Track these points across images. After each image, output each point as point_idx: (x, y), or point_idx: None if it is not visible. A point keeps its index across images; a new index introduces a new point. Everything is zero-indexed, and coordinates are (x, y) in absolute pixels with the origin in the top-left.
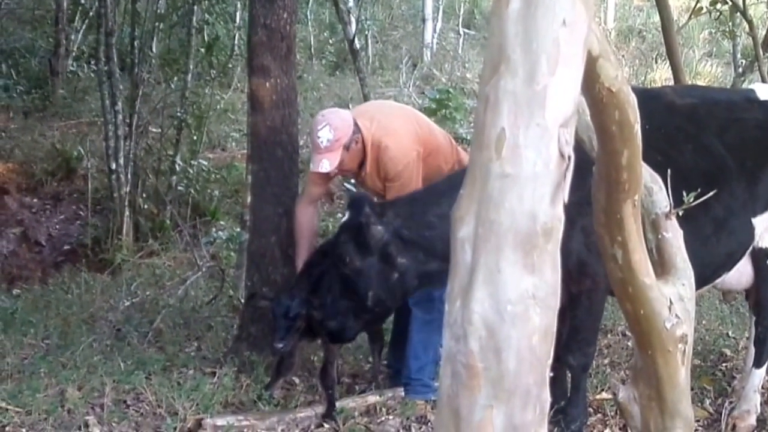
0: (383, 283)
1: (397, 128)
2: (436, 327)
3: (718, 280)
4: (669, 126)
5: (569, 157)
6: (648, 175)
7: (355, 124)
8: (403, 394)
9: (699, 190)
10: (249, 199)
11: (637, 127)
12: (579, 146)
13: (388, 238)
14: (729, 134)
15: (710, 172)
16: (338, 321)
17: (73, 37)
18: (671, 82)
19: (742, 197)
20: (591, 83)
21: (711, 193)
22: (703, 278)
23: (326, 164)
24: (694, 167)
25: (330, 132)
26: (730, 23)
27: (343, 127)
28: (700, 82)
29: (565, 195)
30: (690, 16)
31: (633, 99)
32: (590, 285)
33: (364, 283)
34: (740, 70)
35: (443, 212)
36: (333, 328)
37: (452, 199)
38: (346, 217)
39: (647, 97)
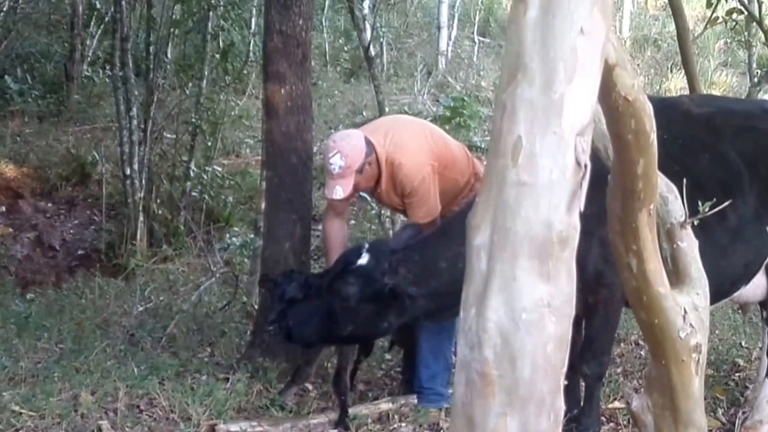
0: (366, 325)
1: (410, 144)
2: (446, 336)
3: (736, 294)
4: (686, 135)
5: (585, 166)
6: (663, 185)
7: (369, 144)
8: (415, 401)
9: (715, 199)
10: (263, 206)
11: (653, 137)
12: (597, 159)
13: (390, 299)
14: (744, 143)
15: (726, 181)
16: (306, 330)
17: (88, 42)
18: (686, 92)
19: (756, 206)
20: (607, 92)
21: (727, 203)
22: (722, 291)
23: (339, 191)
24: (711, 176)
25: (341, 159)
26: (746, 33)
27: (353, 153)
28: (715, 92)
29: (581, 203)
30: (706, 25)
31: (649, 108)
32: (607, 295)
33: (349, 319)
34: (756, 79)
35: (454, 253)
36: (298, 332)
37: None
38: (364, 261)
39: (664, 106)
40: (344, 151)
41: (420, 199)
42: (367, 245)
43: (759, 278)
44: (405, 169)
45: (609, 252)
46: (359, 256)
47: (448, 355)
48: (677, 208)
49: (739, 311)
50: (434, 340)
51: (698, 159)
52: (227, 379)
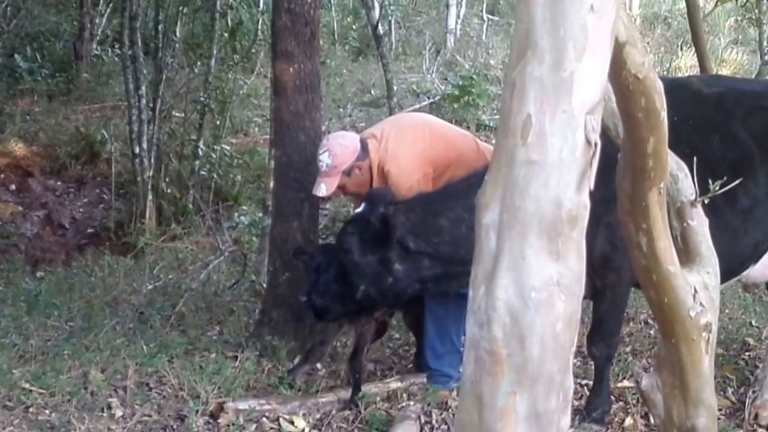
0: (376, 283)
1: (402, 152)
2: (452, 320)
3: (744, 273)
4: (696, 115)
5: (595, 144)
6: (674, 163)
7: (364, 150)
8: (424, 380)
9: (725, 179)
10: (271, 184)
11: (664, 115)
12: (605, 144)
13: (393, 245)
14: (755, 123)
15: (736, 161)
16: (323, 301)
17: (97, 21)
18: (696, 70)
19: (767, 186)
20: (617, 70)
21: (737, 182)
22: (730, 271)
23: (323, 189)
24: (721, 157)
25: (329, 158)
26: (757, 10)
27: (342, 154)
28: (726, 70)
29: (591, 182)
30: (716, 3)
31: (659, 86)
32: (614, 279)
33: (358, 277)
34: (766, 57)
35: (457, 216)
36: (318, 305)
37: (467, 201)
38: (361, 209)
39: (674, 86)
40: (333, 150)
41: None
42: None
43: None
44: (393, 177)
45: (616, 236)
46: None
47: (454, 338)
48: (687, 187)
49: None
50: (440, 323)
51: (709, 139)
52: (236, 358)
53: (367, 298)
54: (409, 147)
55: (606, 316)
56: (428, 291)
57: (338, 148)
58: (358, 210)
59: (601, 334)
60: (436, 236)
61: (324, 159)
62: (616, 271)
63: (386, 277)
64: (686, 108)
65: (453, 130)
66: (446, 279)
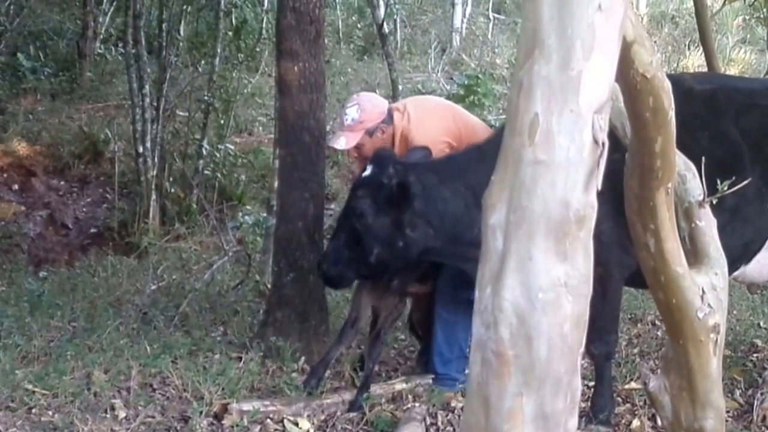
0: (389, 246)
1: (426, 122)
2: (461, 327)
3: (737, 272)
4: (687, 113)
5: (603, 144)
6: (681, 163)
7: (390, 116)
8: (430, 381)
9: (715, 178)
10: (276, 184)
11: (671, 114)
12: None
13: (406, 207)
14: (747, 122)
15: (726, 159)
16: (336, 269)
17: (101, 19)
18: (704, 69)
19: (759, 186)
20: (625, 69)
21: (745, 182)
22: None
23: (342, 142)
24: (709, 154)
25: (357, 112)
26: (765, 9)
27: (371, 111)
28: (734, 70)
29: (598, 182)
30: (724, 2)
31: (667, 85)
32: (602, 273)
33: (372, 240)
34: None
35: (465, 184)
36: (330, 273)
37: (477, 172)
38: (368, 171)
39: None
40: (363, 105)
41: None
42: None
43: (765, 258)
44: (415, 143)
45: (602, 230)
46: (363, 172)
47: (463, 344)
48: (695, 187)
49: (751, 293)
50: (449, 330)
51: (697, 137)
52: (240, 358)
53: (380, 262)
54: (435, 119)
55: (598, 312)
56: (438, 259)
57: (369, 105)
58: (366, 173)
59: (596, 331)
60: (442, 205)
61: (351, 113)
62: (603, 265)
63: (398, 240)
64: (677, 105)
65: (473, 118)
66: (454, 257)
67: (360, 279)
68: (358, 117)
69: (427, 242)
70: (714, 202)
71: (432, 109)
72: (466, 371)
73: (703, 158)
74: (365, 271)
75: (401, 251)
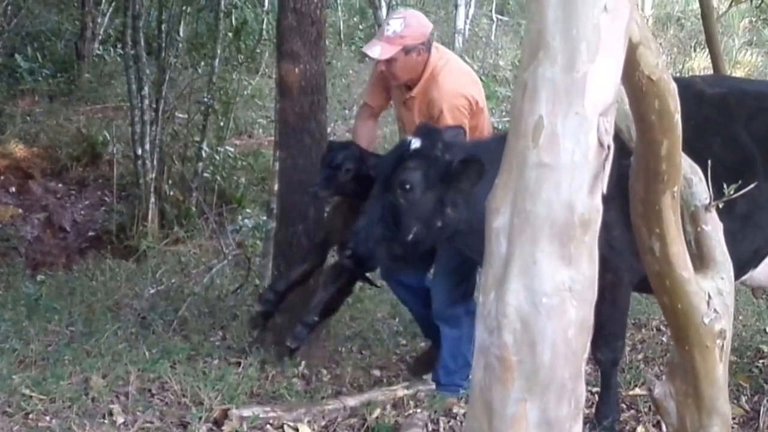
0: (428, 225)
1: (457, 74)
2: (465, 339)
3: (745, 277)
4: (697, 116)
5: (609, 147)
6: (687, 166)
7: (430, 43)
8: (432, 387)
9: (726, 183)
10: (276, 187)
11: (677, 117)
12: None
13: (453, 185)
14: (757, 125)
15: (737, 164)
16: (368, 247)
17: (99, 20)
18: (710, 71)
19: None
20: (631, 71)
21: (751, 186)
22: None
23: (377, 50)
24: (722, 159)
25: (401, 26)
26: None
27: (415, 28)
28: (740, 72)
29: (603, 185)
30: (730, 3)
31: (673, 87)
32: (613, 279)
33: (413, 216)
34: None
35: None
36: (360, 253)
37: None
38: (418, 144)
39: (677, 87)
40: (409, 20)
41: None
42: (413, 133)
43: None
44: (441, 88)
45: (613, 237)
46: (408, 144)
47: (467, 354)
48: (701, 191)
49: (755, 297)
50: (454, 345)
51: (710, 141)
52: (239, 364)
53: (415, 242)
54: (466, 78)
55: (607, 319)
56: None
57: (414, 21)
58: (415, 144)
59: (604, 338)
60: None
61: (395, 25)
62: (613, 272)
63: (438, 219)
64: (687, 109)
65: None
66: (470, 239)
67: (389, 261)
68: (400, 30)
69: (459, 225)
70: (721, 206)
71: (466, 69)
72: (470, 377)
73: (715, 163)
74: (398, 251)
75: (437, 232)
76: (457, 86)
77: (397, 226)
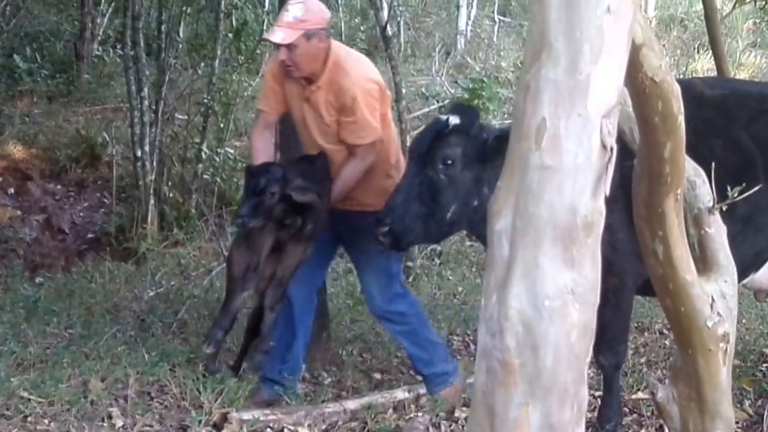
0: (466, 204)
1: (361, 58)
2: (419, 327)
3: (746, 280)
4: (698, 118)
5: (612, 149)
6: (691, 168)
7: (329, 34)
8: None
9: (728, 186)
10: None
11: (681, 119)
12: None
13: (490, 165)
14: (758, 127)
15: (738, 167)
16: (404, 224)
17: (98, 20)
18: (713, 73)
19: None
20: (634, 73)
21: (755, 189)
22: None
23: (279, 36)
24: (723, 162)
25: (301, 10)
26: None
27: (316, 12)
28: (744, 74)
29: (606, 187)
30: (734, 5)
31: (677, 89)
32: (616, 283)
33: (452, 194)
34: None
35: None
36: (397, 230)
37: None
38: (457, 120)
39: None
40: (308, 5)
41: (357, 122)
42: (447, 112)
43: None
44: (350, 74)
45: (617, 239)
46: (446, 121)
47: (429, 335)
48: (705, 193)
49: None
50: (409, 337)
51: (710, 144)
52: (239, 367)
53: (452, 222)
54: (369, 64)
55: (610, 323)
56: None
57: (314, 6)
58: (454, 120)
59: (607, 341)
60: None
61: (294, 10)
62: (617, 275)
63: (474, 198)
64: (688, 111)
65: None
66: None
67: (423, 241)
68: (300, 15)
69: (480, 210)
70: (724, 209)
71: (365, 57)
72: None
73: (716, 166)
74: (434, 230)
75: (472, 212)
76: (366, 71)
77: (435, 203)
